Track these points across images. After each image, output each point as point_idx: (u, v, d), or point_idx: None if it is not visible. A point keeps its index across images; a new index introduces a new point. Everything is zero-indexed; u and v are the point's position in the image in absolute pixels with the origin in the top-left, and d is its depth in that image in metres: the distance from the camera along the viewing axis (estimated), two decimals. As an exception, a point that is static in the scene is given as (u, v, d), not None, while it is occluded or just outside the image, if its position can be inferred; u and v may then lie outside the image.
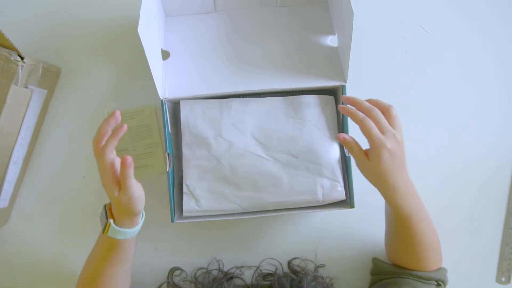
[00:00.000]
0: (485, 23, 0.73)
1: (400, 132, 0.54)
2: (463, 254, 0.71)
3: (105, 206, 0.56)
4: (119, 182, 0.52)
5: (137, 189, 0.53)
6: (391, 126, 0.53)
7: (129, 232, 0.55)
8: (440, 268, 0.60)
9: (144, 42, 0.54)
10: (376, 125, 0.52)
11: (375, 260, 0.66)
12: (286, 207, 0.63)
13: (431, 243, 0.58)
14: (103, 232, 0.54)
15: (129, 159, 0.51)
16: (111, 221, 0.53)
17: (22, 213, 0.71)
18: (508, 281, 0.70)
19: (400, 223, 0.57)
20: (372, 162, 0.53)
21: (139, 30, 0.52)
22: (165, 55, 0.67)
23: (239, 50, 0.66)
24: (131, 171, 0.52)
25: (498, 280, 0.71)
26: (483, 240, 0.71)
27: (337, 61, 0.65)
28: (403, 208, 0.55)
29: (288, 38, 0.67)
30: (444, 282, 0.59)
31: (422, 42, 0.73)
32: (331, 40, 0.67)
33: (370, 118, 0.53)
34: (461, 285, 0.70)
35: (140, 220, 0.56)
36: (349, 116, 0.55)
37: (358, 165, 0.56)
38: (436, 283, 0.58)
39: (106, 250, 0.57)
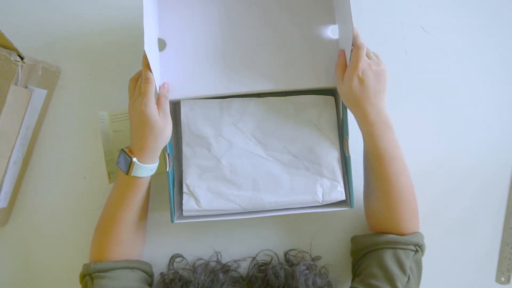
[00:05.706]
0: (485, 23, 0.73)
1: (382, 65, 0.59)
2: (463, 254, 0.71)
3: (122, 149, 0.59)
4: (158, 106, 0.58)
5: (168, 111, 0.59)
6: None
7: (151, 168, 0.59)
8: (417, 232, 0.60)
9: (150, 56, 0.56)
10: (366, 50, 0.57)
11: (353, 237, 0.64)
12: (286, 207, 0.63)
13: (405, 190, 0.58)
14: (127, 173, 0.57)
15: (167, 84, 0.62)
16: (135, 159, 0.57)
17: (22, 213, 0.71)
18: (508, 281, 0.70)
19: (372, 158, 0.58)
20: (344, 84, 0.58)
21: (146, 48, 0.54)
22: (161, 45, 0.65)
23: (237, 45, 0.64)
24: (168, 93, 0.61)
25: (498, 280, 0.71)
26: (483, 240, 0.71)
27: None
28: (373, 136, 0.57)
29: (288, 30, 0.64)
30: (422, 248, 0.59)
31: (422, 42, 0.73)
32: (331, 31, 0.65)
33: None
34: (461, 285, 0.70)
35: (157, 159, 0.60)
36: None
37: (337, 85, 0.61)
38: (414, 248, 0.58)
39: (122, 192, 0.59)
